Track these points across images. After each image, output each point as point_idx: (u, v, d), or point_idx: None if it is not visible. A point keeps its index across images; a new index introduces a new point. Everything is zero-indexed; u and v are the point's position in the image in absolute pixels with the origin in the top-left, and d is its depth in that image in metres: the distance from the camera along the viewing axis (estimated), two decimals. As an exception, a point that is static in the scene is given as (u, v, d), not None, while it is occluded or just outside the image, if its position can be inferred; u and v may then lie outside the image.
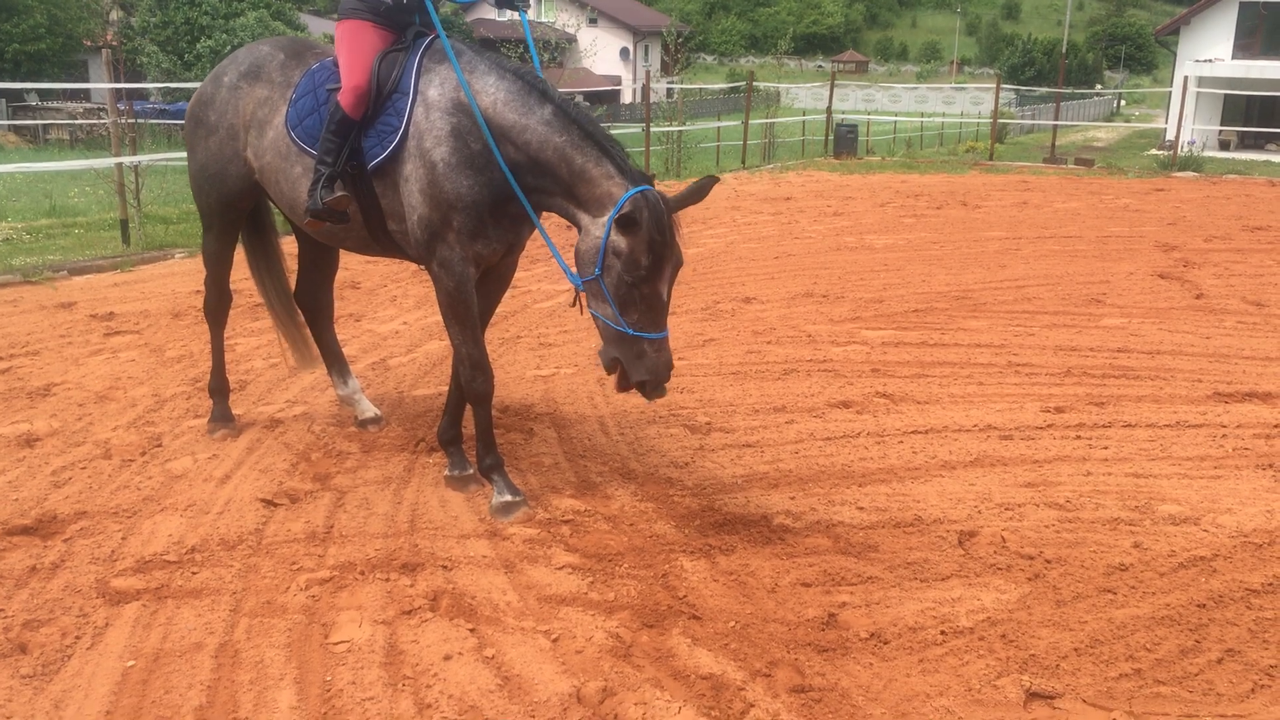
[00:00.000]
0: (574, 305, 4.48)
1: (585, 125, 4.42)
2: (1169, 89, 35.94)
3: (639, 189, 4.18)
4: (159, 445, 5.51)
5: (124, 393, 6.33)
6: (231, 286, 5.82)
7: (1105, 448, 5.62)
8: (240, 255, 5.78)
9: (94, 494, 4.87)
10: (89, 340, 7.49)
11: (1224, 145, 34.42)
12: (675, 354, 7.27)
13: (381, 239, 4.98)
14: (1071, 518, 4.72)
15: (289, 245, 6.02)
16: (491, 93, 4.54)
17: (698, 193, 4.27)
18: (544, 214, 4.62)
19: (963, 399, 6.41)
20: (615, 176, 4.29)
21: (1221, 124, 35.09)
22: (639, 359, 4.25)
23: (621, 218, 4.12)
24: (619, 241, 4.16)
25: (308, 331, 5.98)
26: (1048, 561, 4.30)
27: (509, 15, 4.99)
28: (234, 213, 5.52)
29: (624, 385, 4.36)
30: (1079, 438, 5.76)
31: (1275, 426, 5.92)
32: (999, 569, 4.25)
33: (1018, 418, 6.06)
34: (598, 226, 4.26)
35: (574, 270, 4.42)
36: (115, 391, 6.35)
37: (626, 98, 60.83)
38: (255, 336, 7.73)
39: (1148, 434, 5.82)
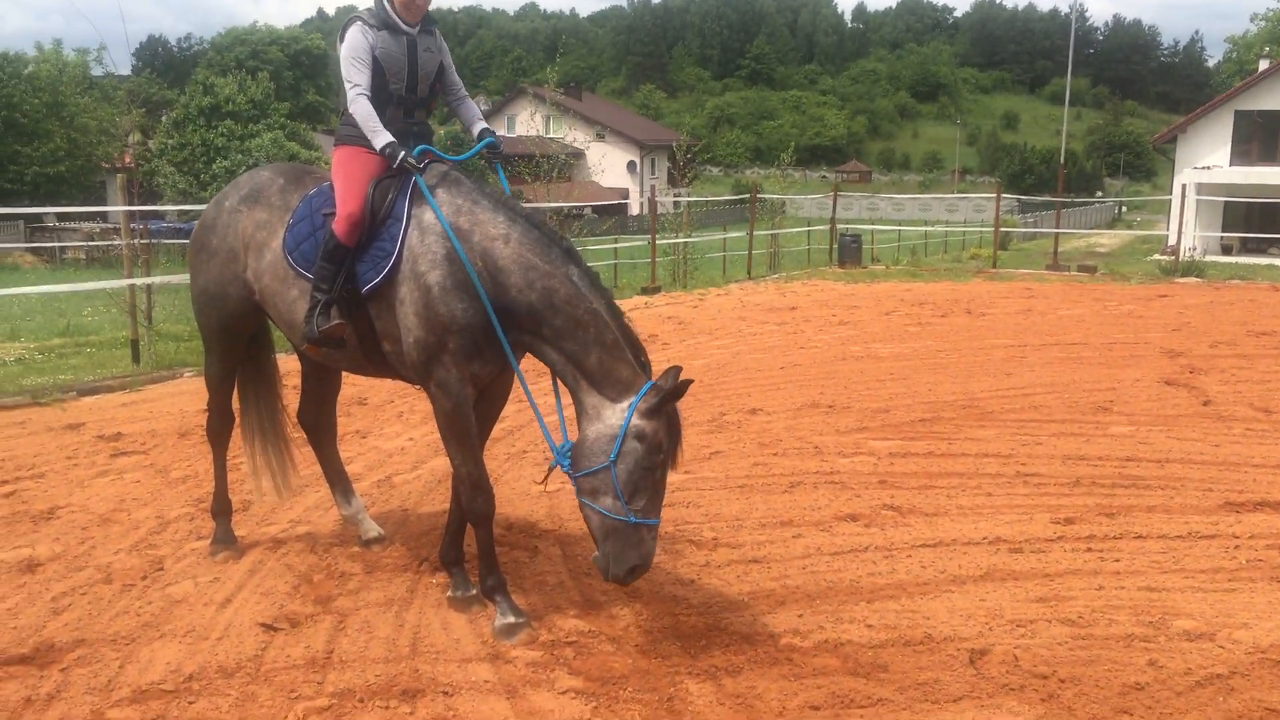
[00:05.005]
0: (542, 482, 4.49)
1: (607, 296, 4.54)
2: (1169, 196, 36.38)
3: (649, 381, 4.32)
4: (160, 569, 5.47)
5: (128, 515, 6.31)
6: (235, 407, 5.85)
7: (1117, 560, 5.54)
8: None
9: (93, 621, 4.82)
10: (95, 462, 7.49)
11: (1226, 250, 34.75)
12: (682, 468, 7.27)
13: (376, 360, 5.02)
14: (1085, 634, 4.63)
15: (292, 362, 6.04)
16: (504, 230, 4.59)
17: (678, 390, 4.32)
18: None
19: (971, 511, 6.35)
20: (630, 360, 4.39)
21: (1223, 229, 35.48)
22: (635, 546, 4.27)
23: (652, 406, 4.23)
24: (643, 426, 4.22)
25: (287, 460, 5.93)
26: (1061, 681, 4.21)
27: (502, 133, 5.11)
28: (235, 336, 5.56)
29: (611, 575, 4.33)
30: (1090, 550, 5.69)
31: (1289, 536, 5.85)
32: (1012, 689, 4.16)
33: (1027, 530, 5.99)
34: (615, 413, 4.30)
35: (571, 453, 4.46)
36: (119, 514, 6.33)
37: (634, 210, 61.78)
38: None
39: (1159, 546, 5.74)
